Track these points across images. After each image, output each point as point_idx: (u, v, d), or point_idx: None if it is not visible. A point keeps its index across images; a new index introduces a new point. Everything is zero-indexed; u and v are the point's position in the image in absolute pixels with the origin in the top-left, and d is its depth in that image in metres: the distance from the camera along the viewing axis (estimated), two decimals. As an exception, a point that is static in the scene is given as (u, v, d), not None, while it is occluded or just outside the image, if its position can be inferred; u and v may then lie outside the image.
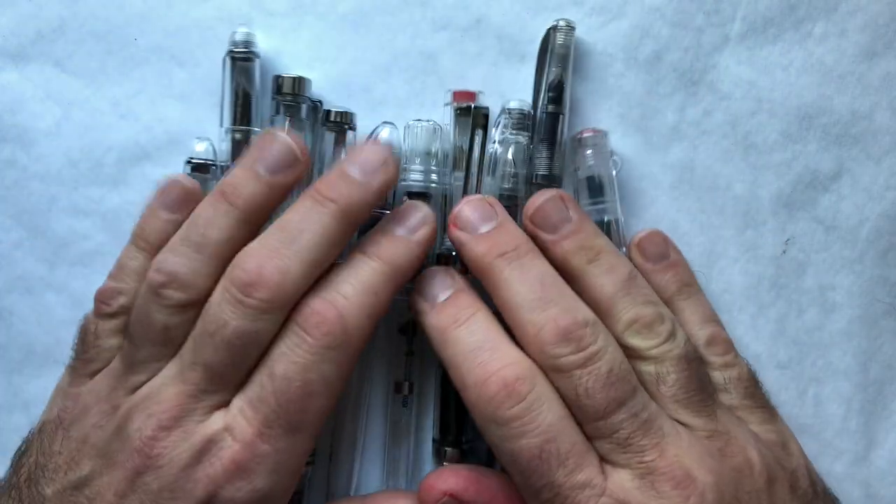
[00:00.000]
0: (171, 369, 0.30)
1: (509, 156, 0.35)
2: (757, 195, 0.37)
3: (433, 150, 0.35)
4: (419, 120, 0.35)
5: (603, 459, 0.29)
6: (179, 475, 0.28)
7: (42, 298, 0.37)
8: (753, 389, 0.34)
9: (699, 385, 0.30)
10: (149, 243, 0.32)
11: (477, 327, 0.30)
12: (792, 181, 0.37)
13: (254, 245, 0.29)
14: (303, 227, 0.29)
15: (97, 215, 0.37)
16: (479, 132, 0.35)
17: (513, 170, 0.35)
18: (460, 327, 0.30)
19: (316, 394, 0.28)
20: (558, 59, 0.35)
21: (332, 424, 0.36)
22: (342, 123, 0.35)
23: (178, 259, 0.30)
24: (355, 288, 0.29)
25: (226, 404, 0.29)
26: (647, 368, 0.30)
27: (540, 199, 0.32)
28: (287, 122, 0.35)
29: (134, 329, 0.30)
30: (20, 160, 0.37)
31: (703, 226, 0.37)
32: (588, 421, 0.29)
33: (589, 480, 0.28)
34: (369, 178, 0.30)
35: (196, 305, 0.29)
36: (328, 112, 0.35)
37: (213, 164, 0.35)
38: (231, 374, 0.29)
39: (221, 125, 0.35)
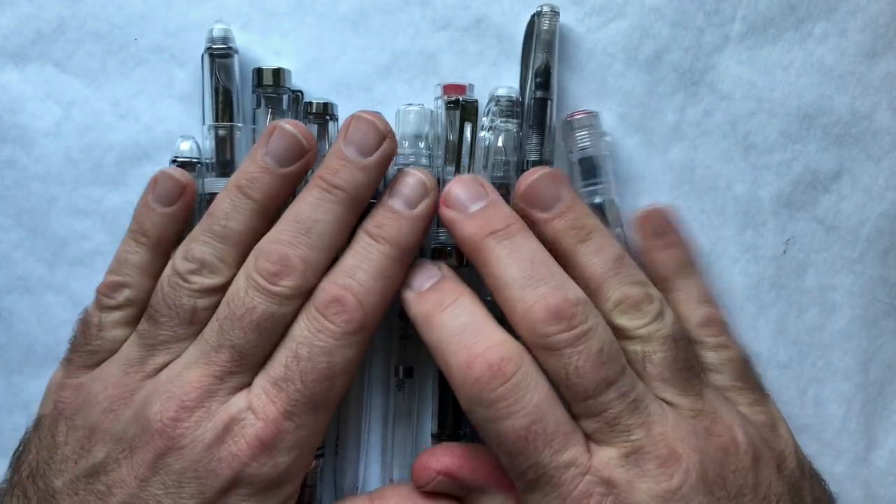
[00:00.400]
0: (191, 354, 0.30)
1: (499, 143, 0.35)
2: (757, 195, 0.37)
3: (424, 133, 0.35)
4: (410, 104, 0.35)
5: (588, 438, 0.29)
6: (203, 454, 0.29)
7: (42, 298, 0.37)
8: (745, 371, 0.34)
9: (685, 364, 0.30)
10: (148, 237, 0.33)
11: (461, 311, 0.30)
12: (792, 181, 0.37)
13: (273, 236, 0.31)
14: (316, 216, 0.31)
15: (97, 215, 0.37)
16: (469, 125, 0.35)
17: (503, 157, 0.35)
18: (444, 311, 0.30)
19: (339, 373, 0.30)
20: (544, 45, 0.35)
21: (336, 414, 0.36)
22: (324, 115, 0.35)
23: (204, 248, 0.31)
24: (368, 273, 0.30)
25: (247, 385, 0.30)
26: (634, 348, 0.30)
27: (531, 176, 0.32)
28: (269, 114, 0.35)
29: (160, 312, 0.31)
30: (20, 160, 0.37)
31: (703, 226, 0.37)
32: (577, 400, 0.29)
33: (574, 459, 0.28)
34: (370, 158, 0.31)
35: (220, 290, 0.31)
36: (309, 104, 0.35)
37: (199, 162, 0.36)
38: (256, 355, 0.30)
39: (204, 122, 0.35)
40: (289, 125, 0.32)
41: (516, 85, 0.36)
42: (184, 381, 0.30)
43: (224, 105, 0.35)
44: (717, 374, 0.33)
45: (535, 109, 0.35)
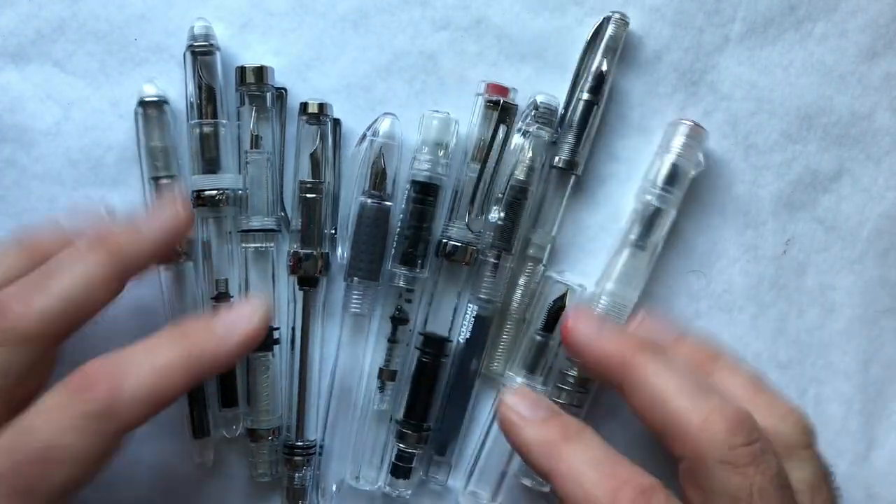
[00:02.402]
0: None
1: (527, 148, 0.35)
2: (757, 195, 0.37)
3: (444, 142, 0.35)
4: (435, 111, 0.35)
5: None
6: None
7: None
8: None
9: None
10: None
11: (590, 441, 0.29)
12: (792, 181, 0.37)
13: (15, 283, 0.29)
14: (63, 266, 0.29)
15: (97, 215, 0.37)
16: (504, 128, 0.35)
17: (530, 162, 0.35)
18: (573, 442, 0.29)
19: (59, 462, 0.26)
20: (607, 51, 0.35)
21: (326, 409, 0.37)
22: (319, 115, 0.35)
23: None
24: (144, 367, 0.28)
25: None
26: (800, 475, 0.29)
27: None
28: (253, 112, 0.35)
29: None
30: (20, 160, 0.37)
31: (703, 226, 0.37)
32: None
33: None
34: (148, 227, 0.31)
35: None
36: (305, 104, 0.35)
37: (166, 102, 0.35)
38: None
39: (188, 120, 0.35)
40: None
41: (515, 85, 0.36)
42: None
43: (207, 102, 0.35)
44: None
45: (582, 110, 0.35)
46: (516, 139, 0.35)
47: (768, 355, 0.37)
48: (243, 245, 0.36)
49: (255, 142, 0.35)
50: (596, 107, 0.35)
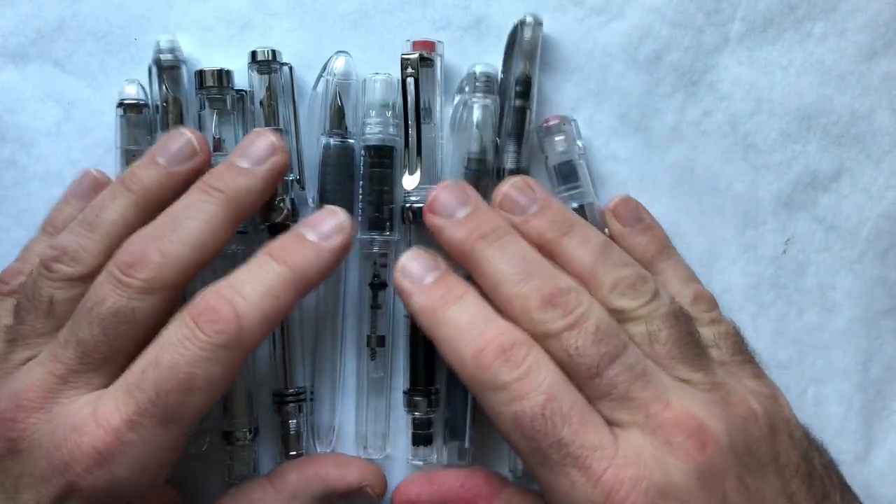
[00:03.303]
0: (45, 351, 0.29)
1: (475, 119, 0.35)
2: (757, 195, 0.37)
3: (390, 103, 0.35)
4: (377, 73, 0.35)
5: (610, 423, 0.28)
6: (39, 460, 0.27)
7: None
8: (741, 345, 0.33)
9: (692, 340, 0.30)
10: (55, 228, 0.34)
11: (469, 304, 0.30)
12: (792, 181, 0.37)
13: (141, 231, 0.30)
14: (188, 213, 0.30)
15: (97, 215, 0.37)
16: (411, 81, 0.35)
17: (478, 132, 0.35)
18: (452, 306, 0.30)
19: (198, 389, 0.28)
20: (525, 55, 0.35)
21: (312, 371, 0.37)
22: (270, 62, 0.35)
23: (70, 236, 0.30)
24: (255, 289, 0.29)
25: (97, 388, 0.29)
26: (638, 329, 0.30)
27: (504, 185, 0.33)
28: (214, 116, 0.35)
29: (21, 303, 0.30)
30: (20, 160, 0.37)
31: (703, 226, 0.37)
32: (584, 381, 0.28)
33: (599, 442, 0.27)
34: (257, 166, 0.31)
35: (84, 281, 0.30)
36: (254, 52, 0.35)
37: (146, 105, 0.36)
38: (104, 353, 0.29)
39: (154, 132, 0.35)
40: (186, 131, 0.32)
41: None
42: (27, 379, 0.28)
43: (174, 115, 0.35)
44: (716, 350, 0.32)
45: (514, 118, 0.35)
46: (463, 112, 0.35)
47: (768, 355, 0.37)
48: None
49: (218, 145, 0.35)
50: (528, 111, 0.35)
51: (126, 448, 0.27)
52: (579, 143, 0.36)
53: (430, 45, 0.35)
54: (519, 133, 0.35)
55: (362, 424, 0.37)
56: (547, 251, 0.31)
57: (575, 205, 0.35)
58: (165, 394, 0.27)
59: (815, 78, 0.37)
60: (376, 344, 0.36)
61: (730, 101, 0.37)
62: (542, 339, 0.29)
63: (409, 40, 0.35)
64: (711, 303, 0.34)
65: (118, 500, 0.28)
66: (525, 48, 0.35)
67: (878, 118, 0.37)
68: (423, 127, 0.35)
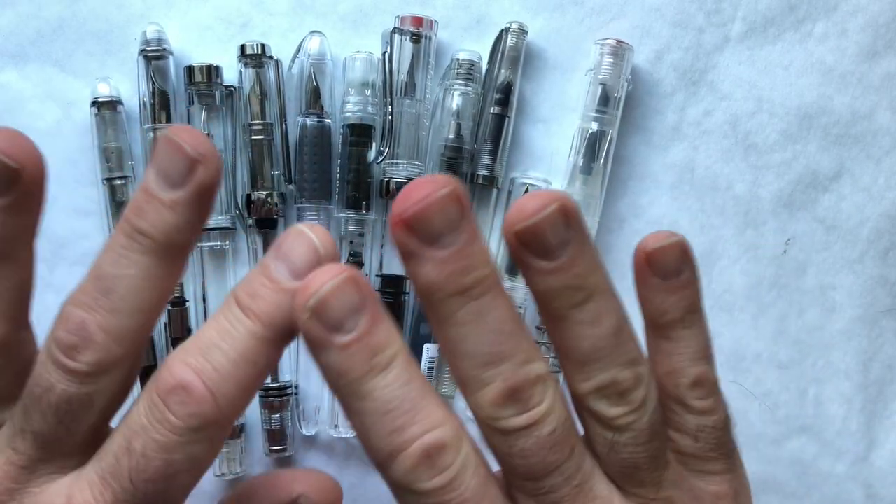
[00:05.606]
0: (2, 435, 0.26)
1: (454, 106, 0.35)
2: (757, 195, 0.37)
3: (370, 81, 0.35)
4: (357, 51, 0.35)
5: None
6: None
7: (42, 298, 0.37)
8: (724, 437, 0.30)
9: (652, 463, 0.27)
10: None
11: (397, 376, 0.24)
12: (792, 181, 0.37)
13: (74, 295, 0.25)
14: (117, 272, 0.25)
15: (97, 215, 0.37)
16: (386, 55, 0.35)
17: (457, 121, 0.35)
18: (375, 377, 0.24)
19: (179, 473, 0.25)
20: (509, 62, 0.35)
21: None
22: (260, 56, 0.35)
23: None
24: (228, 356, 0.25)
25: (72, 468, 0.26)
26: (604, 434, 0.27)
27: (537, 212, 0.25)
28: (203, 112, 0.35)
29: None
30: (20, 160, 0.37)
31: (703, 226, 0.37)
32: (517, 479, 0.26)
33: None
34: (178, 193, 0.24)
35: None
36: (243, 46, 0.35)
37: (120, 102, 0.36)
38: (66, 440, 0.26)
39: (141, 125, 0.35)
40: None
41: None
42: None
43: (161, 107, 0.35)
44: (692, 441, 0.30)
45: (492, 124, 0.35)
46: (441, 98, 0.35)
47: (768, 355, 0.37)
48: (199, 244, 0.36)
49: None
50: (507, 119, 0.35)
51: None
52: (629, 77, 0.36)
53: (418, 21, 0.35)
54: (496, 139, 0.35)
55: (334, 404, 0.37)
56: (549, 313, 0.26)
57: (596, 127, 0.35)
58: (143, 483, 0.25)
59: (815, 78, 0.37)
60: None
61: (730, 101, 0.37)
62: (486, 430, 0.25)
63: (398, 15, 0.35)
64: (711, 389, 0.30)
65: None
66: (508, 55, 0.35)
67: (878, 118, 0.37)
68: (406, 102, 0.35)
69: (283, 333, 0.25)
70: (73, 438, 0.25)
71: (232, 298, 0.25)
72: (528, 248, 0.25)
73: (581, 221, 0.25)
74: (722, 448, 0.30)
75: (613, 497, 0.27)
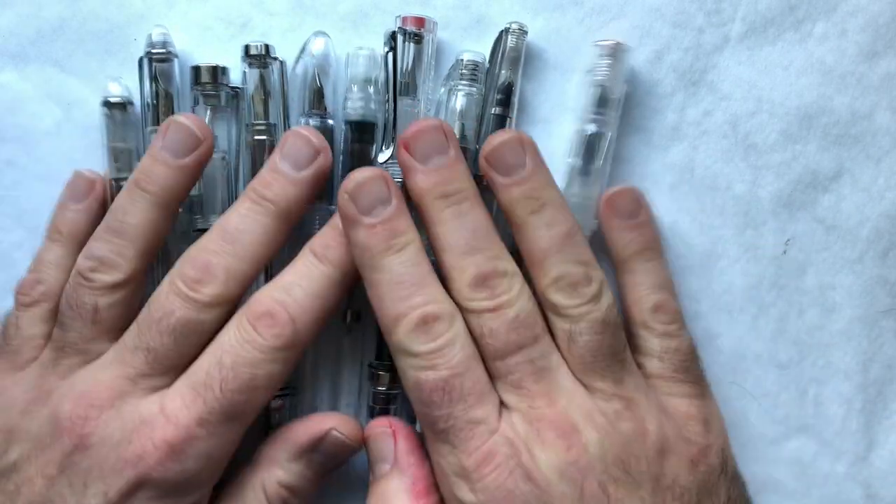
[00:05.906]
0: (108, 355, 0.31)
1: (458, 106, 0.35)
2: (757, 195, 0.37)
3: (372, 78, 0.35)
4: (360, 48, 0.35)
5: (502, 403, 0.30)
6: (109, 454, 0.29)
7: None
8: (689, 364, 0.34)
9: (609, 351, 0.31)
10: (61, 234, 0.34)
11: (408, 257, 0.30)
12: (792, 181, 0.37)
13: (200, 244, 0.31)
14: (242, 227, 0.31)
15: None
16: (391, 55, 0.35)
17: (461, 121, 0.35)
18: (392, 255, 0.30)
19: (260, 388, 0.30)
20: (509, 62, 0.35)
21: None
22: (264, 56, 0.35)
23: (102, 244, 0.31)
24: (306, 291, 0.31)
25: (161, 388, 0.30)
26: (563, 325, 0.31)
27: (498, 139, 0.32)
28: (208, 112, 0.35)
29: (64, 313, 0.31)
30: (20, 160, 0.37)
31: (703, 226, 0.37)
32: (489, 359, 0.30)
33: (485, 417, 0.29)
34: (303, 173, 0.32)
35: (123, 286, 0.31)
36: (247, 46, 0.35)
37: (130, 103, 0.36)
38: (172, 359, 0.30)
39: (144, 126, 0.35)
40: (183, 118, 0.32)
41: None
42: (96, 381, 0.30)
43: (165, 109, 0.35)
44: (658, 362, 0.33)
45: (494, 125, 0.35)
46: (444, 98, 0.35)
47: (768, 355, 0.37)
48: None
49: None
50: (508, 119, 0.35)
51: (195, 442, 0.29)
52: (625, 81, 0.36)
53: (420, 22, 0.35)
54: None
55: (334, 400, 0.37)
56: (513, 222, 0.32)
57: (593, 129, 0.35)
58: (230, 393, 0.29)
59: (815, 78, 0.37)
60: (352, 319, 0.36)
61: (730, 101, 0.37)
62: (465, 312, 0.30)
63: (398, 16, 0.35)
64: (674, 316, 0.34)
65: (185, 492, 0.30)
66: (509, 56, 0.35)
67: (878, 118, 0.37)
68: (407, 102, 0.35)
69: (349, 275, 0.31)
70: (179, 358, 0.30)
71: (307, 249, 0.32)
72: (492, 166, 0.32)
73: (536, 151, 0.32)
74: (688, 373, 0.34)
75: (577, 390, 0.30)
